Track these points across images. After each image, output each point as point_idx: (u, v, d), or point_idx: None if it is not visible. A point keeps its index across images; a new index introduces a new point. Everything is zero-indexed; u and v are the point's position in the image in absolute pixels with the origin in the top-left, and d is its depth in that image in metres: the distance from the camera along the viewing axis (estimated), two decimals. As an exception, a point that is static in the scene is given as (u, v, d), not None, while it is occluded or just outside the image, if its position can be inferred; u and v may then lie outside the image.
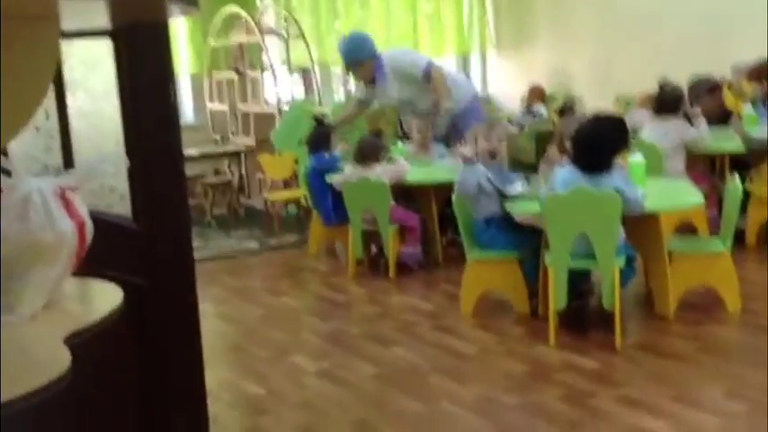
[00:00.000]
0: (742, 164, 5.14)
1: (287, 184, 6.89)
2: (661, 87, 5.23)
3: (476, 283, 4.13)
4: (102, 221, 1.69)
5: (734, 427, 2.85)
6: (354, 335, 4.03)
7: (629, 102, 7.09)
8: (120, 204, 2.37)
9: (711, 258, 3.93)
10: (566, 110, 7.04)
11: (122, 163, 1.98)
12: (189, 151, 6.65)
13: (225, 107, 7.70)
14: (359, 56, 5.47)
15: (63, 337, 1.38)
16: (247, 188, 7.61)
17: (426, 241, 5.10)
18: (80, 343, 1.39)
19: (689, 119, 5.16)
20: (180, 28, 7.55)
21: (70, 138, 2.44)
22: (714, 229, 4.77)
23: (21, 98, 1.25)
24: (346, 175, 5.12)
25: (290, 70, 7.39)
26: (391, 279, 4.91)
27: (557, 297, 3.60)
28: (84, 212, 1.59)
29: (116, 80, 2.26)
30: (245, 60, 7.48)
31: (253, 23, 7.10)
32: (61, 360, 1.27)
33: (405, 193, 5.10)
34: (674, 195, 4.09)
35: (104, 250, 1.69)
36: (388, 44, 8.13)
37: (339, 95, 7.99)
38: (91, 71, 2.43)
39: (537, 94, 8.28)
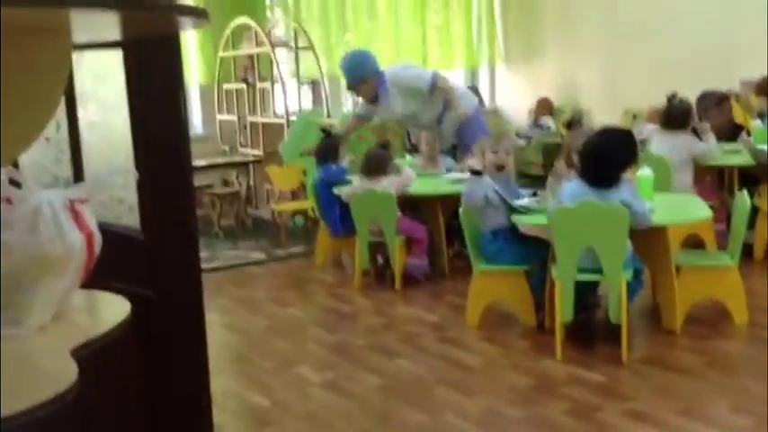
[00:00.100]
0: (751, 178, 5.14)
1: (294, 196, 6.91)
2: (669, 101, 5.23)
3: (482, 295, 4.12)
4: (110, 233, 1.70)
5: (740, 443, 2.84)
6: (360, 346, 4.03)
7: (636, 115, 7.09)
8: (128, 216, 2.38)
9: (719, 272, 3.92)
10: (573, 123, 7.05)
11: (132, 175, 2.00)
12: (197, 162, 6.68)
13: (234, 118, 7.74)
14: (362, 73, 5.48)
15: (70, 350, 1.38)
16: (255, 199, 7.63)
17: (433, 253, 5.11)
18: (87, 355, 1.40)
19: (697, 133, 5.16)
20: (190, 39, 7.59)
21: (80, 149, 2.46)
22: (722, 243, 4.76)
23: (32, 111, 1.26)
24: (353, 186, 5.13)
25: (300, 82, 7.42)
26: (397, 290, 4.91)
27: (563, 310, 3.59)
28: (93, 225, 1.60)
29: (126, 92, 2.28)
30: (254, 72, 7.51)
31: (263, 35, 7.13)
32: (68, 372, 1.28)
33: (411, 205, 5.11)
34: (682, 209, 4.08)
35: (112, 261, 1.69)
36: (398, 57, 8.16)
37: (348, 107, 8.01)
38: (101, 83, 2.44)
39: (545, 107, 8.30)
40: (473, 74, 9.01)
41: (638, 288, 3.86)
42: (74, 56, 2.08)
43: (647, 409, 3.07)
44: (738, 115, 5.88)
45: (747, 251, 4.71)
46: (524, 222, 3.90)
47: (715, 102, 5.62)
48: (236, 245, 6.58)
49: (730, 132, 5.60)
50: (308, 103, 7.57)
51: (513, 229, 3.99)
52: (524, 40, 8.73)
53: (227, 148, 7.78)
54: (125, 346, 1.61)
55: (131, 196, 2.34)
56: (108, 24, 1.25)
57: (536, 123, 8.20)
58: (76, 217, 1.55)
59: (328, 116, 7.01)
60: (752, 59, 6.13)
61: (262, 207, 7.53)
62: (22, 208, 1.48)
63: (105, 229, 1.65)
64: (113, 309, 1.63)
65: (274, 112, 7.39)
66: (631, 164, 3.76)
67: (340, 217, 5.25)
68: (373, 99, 5.56)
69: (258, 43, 7.25)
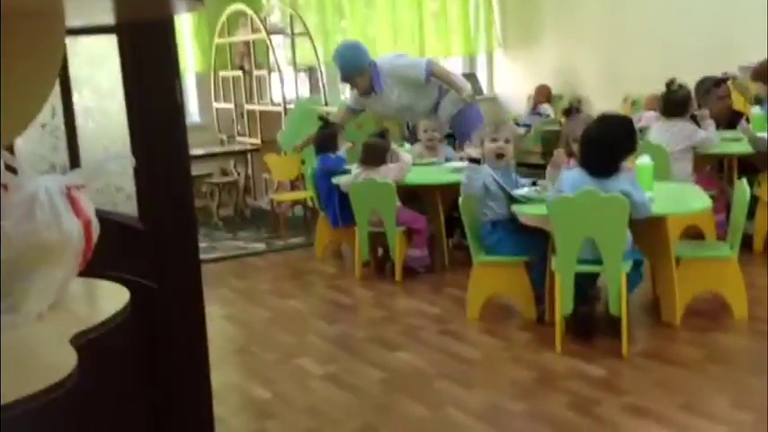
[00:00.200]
0: (750, 167, 5.11)
1: (293, 185, 6.88)
2: (668, 88, 5.19)
3: (482, 286, 4.11)
4: (107, 221, 1.68)
5: (740, 437, 2.83)
6: (360, 338, 4.02)
7: (636, 102, 7.07)
8: (125, 204, 2.36)
9: (719, 264, 3.91)
10: (571, 110, 7.02)
11: (128, 162, 1.97)
12: (195, 151, 6.64)
13: (231, 106, 7.69)
14: (358, 64, 5.44)
15: (69, 338, 1.37)
16: (254, 189, 7.59)
17: (433, 244, 5.08)
18: (86, 343, 1.38)
19: (696, 120, 5.13)
20: (185, 25, 7.53)
21: (76, 136, 2.42)
22: (721, 233, 4.74)
23: (27, 95, 1.23)
24: (352, 176, 5.10)
25: (296, 69, 7.37)
26: (397, 282, 4.90)
27: (563, 302, 3.58)
28: (90, 211, 1.57)
29: (121, 77, 2.24)
30: (250, 59, 7.46)
31: (259, 21, 7.08)
32: (67, 361, 1.27)
33: (411, 195, 5.08)
34: (682, 199, 4.06)
35: (110, 250, 1.67)
36: (394, 44, 8.12)
37: (345, 95, 7.97)
38: (96, 69, 2.41)
39: (543, 95, 8.27)
40: (471, 61, 8.97)
41: (637, 280, 3.84)
42: (68, 41, 2.04)
43: (646, 403, 3.07)
44: (738, 102, 5.85)
45: (747, 242, 4.69)
46: (524, 213, 3.87)
47: (713, 85, 5.57)
48: (236, 235, 6.56)
49: (729, 119, 5.57)
50: (305, 91, 7.52)
51: (512, 219, 3.96)
52: (522, 27, 8.70)
53: (224, 136, 7.74)
54: (124, 336, 1.59)
55: (129, 184, 2.31)
56: (101, 7, 1.22)
57: (535, 111, 8.17)
58: (73, 203, 1.53)
59: (326, 104, 6.96)
60: (752, 45, 6.10)
61: (260, 197, 7.50)
62: (19, 194, 1.46)
63: (103, 217, 1.63)
64: (112, 297, 1.62)
65: (271, 100, 7.34)
66: (631, 152, 3.74)
67: (339, 207, 5.22)
68: (367, 91, 5.52)
69: (254, 30, 7.20)
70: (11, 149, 1.72)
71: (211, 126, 7.79)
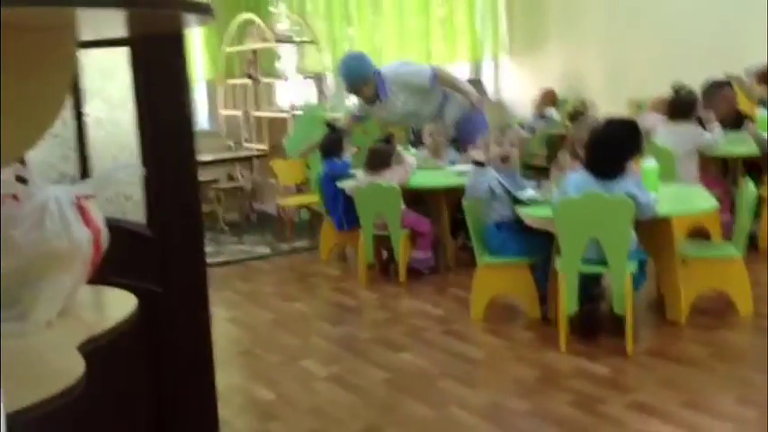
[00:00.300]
0: (755, 167, 5.12)
1: (299, 190, 6.91)
2: (675, 92, 5.21)
3: (486, 287, 4.13)
4: (116, 228, 1.71)
5: (745, 434, 2.84)
6: (365, 339, 4.04)
7: (641, 105, 7.07)
8: (134, 211, 2.39)
9: (724, 263, 3.91)
10: (577, 114, 7.02)
11: (138, 171, 2.01)
12: (202, 157, 6.68)
13: (239, 113, 7.74)
14: (362, 74, 5.47)
15: (77, 345, 1.39)
16: (261, 194, 7.63)
17: (437, 246, 5.11)
18: (94, 350, 1.41)
19: (702, 123, 5.14)
20: (195, 35, 7.59)
21: (87, 146, 2.47)
22: (727, 233, 4.75)
23: (39, 109, 1.27)
24: (357, 180, 5.14)
25: (304, 76, 7.42)
26: (402, 284, 4.92)
27: (567, 302, 3.59)
28: (100, 221, 1.60)
29: (132, 89, 2.29)
30: (258, 66, 7.51)
31: (267, 30, 7.13)
32: (75, 368, 1.29)
33: (416, 198, 5.11)
34: (687, 200, 4.07)
35: (118, 256, 1.70)
36: (401, 50, 8.14)
37: (351, 101, 8.00)
38: (107, 80, 2.45)
39: (549, 98, 8.27)
40: (477, 66, 8.98)
41: (642, 279, 3.85)
42: (80, 54, 2.09)
43: (651, 401, 3.07)
44: (743, 103, 5.85)
45: (752, 242, 4.70)
46: (529, 214, 3.90)
47: (718, 87, 5.58)
48: (242, 239, 6.60)
49: (734, 121, 5.57)
50: (312, 98, 7.56)
51: (517, 221, 3.98)
52: (528, 32, 8.70)
53: (231, 142, 7.79)
54: (131, 342, 1.62)
55: (137, 192, 2.35)
56: (114, 22, 1.25)
57: (540, 115, 8.17)
58: (83, 213, 1.56)
59: (332, 110, 7.00)
60: (758, 47, 6.09)
61: (267, 202, 7.54)
62: (29, 204, 1.49)
63: (112, 225, 1.66)
64: (120, 304, 1.65)
65: (279, 107, 7.39)
66: (636, 154, 3.76)
67: (344, 211, 5.25)
68: (372, 99, 5.56)
69: (262, 38, 7.25)
70: (21, 160, 1.75)
71: (219, 132, 7.84)
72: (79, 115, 2.43)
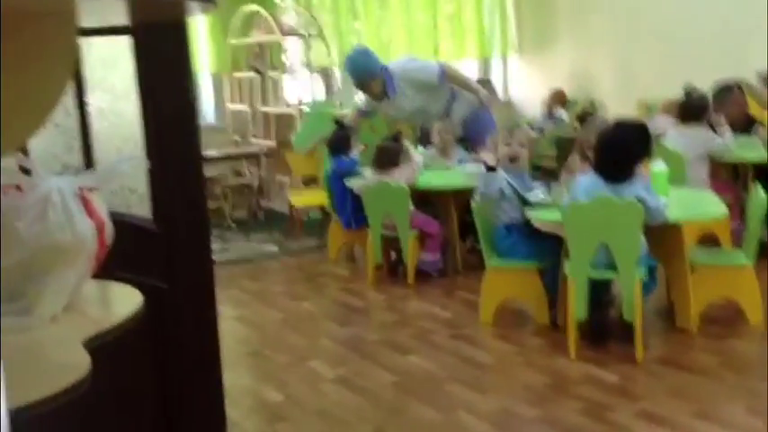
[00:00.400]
0: (766, 173, 5.06)
1: (310, 184, 6.81)
2: (687, 94, 5.16)
3: (495, 291, 4.09)
4: (121, 222, 1.68)
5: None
6: (372, 341, 4.02)
7: (651, 107, 7.03)
8: (139, 205, 2.36)
9: (734, 271, 3.88)
10: (585, 115, 6.98)
11: (141, 163, 1.97)
12: (209, 152, 6.65)
13: (245, 107, 7.70)
14: (369, 69, 5.44)
15: (82, 341, 1.36)
16: (267, 190, 7.60)
17: (446, 248, 5.07)
18: (100, 346, 1.38)
19: (713, 126, 5.09)
20: (200, 27, 7.56)
21: (90, 136, 2.43)
22: (737, 240, 4.70)
23: (39, 96, 1.23)
24: (366, 179, 5.10)
25: (311, 70, 7.38)
26: (410, 285, 4.89)
27: (577, 307, 3.56)
28: (104, 213, 1.57)
29: (135, 79, 2.25)
30: (264, 60, 7.47)
31: (273, 22, 7.09)
32: (81, 364, 1.27)
33: (424, 200, 5.07)
34: (697, 205, 4.04)
35: (124, 251, 1.67)
36: (409, 46, 8.11)
37: (360, 96, 7.97)
38: (110, 70, 2.42)
39: (558, 99, 8.23)
40: (485, 64, 8.95)
41: (652, 286, 3.82)
42: (82, 43, 2.05)
43: (660, 410, 3.05)
44: (753, 107, 5.81)
45: (762, 248, 4.64)
46: (538, 218, 3.85)
47: (728, 91, 5.53)
48: (249, 237, 6.57)
49: (745, 125, 5.53)
50: (319, 93, 7.52)
51: (527, 224, 3.95)
52: (537, 30, 8.67)
53: (238, 138, 7.75)
54: (137, 338, 1.59)
55: (142, 185, 2.32)
56: (115, 8, 1.22)
57: (549, 115, 8.14)
58: (86, 205, 1.53)
59: (340, 106, 6.96)
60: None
61: (274, 198, 7.50)
62: (32, 195, 1.47)
63: (117, 219, 1.63)
64: (126, 300, 1.62)
65: (285, 102, 7.34)
66: (645, 157, 3.72)
67: (352, 210, 5.22)
68: (381, 96, 5.52)
69: (268, 31, 7.20)
70: (24, 150, 1.72)
71: (225, 128, 7.81)
72: (82, 105, 2.40)
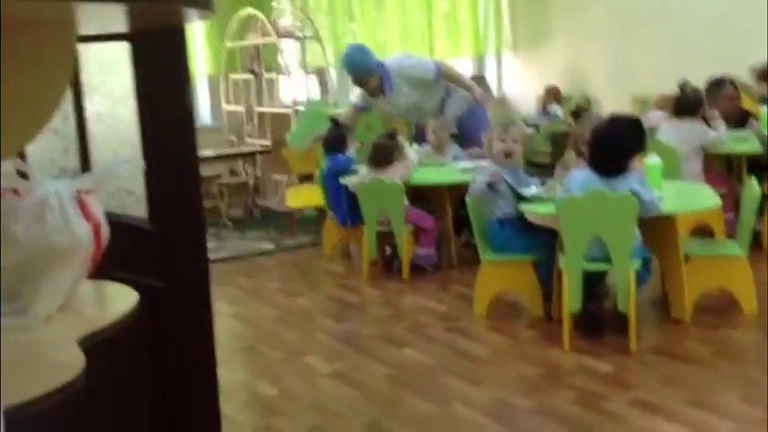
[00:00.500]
0: (759, 166, 5.11)
1: (304, 182, 6.83)
2: (682, 90, 5.19)
3: (489, 284, 4.12)
4: (117, 223, 1.71)
5: (749, 432, 2.83)
6: (367, 336, 4.04)
7: (645, 102, 7.05)
8: (135, 206, 2.39)
9: (728, 262, 3.91)
10: (580, 111, 7.01)
11: (138, 165, 2.00)
12: (205, 152, 6.67)
13: (241, 108, 7.73)
14: (366, 65, 5.47)
15: (77, 340, 1.38)
16: (263, 189, 7.62)
17: (440, 243, 5.10)
18: (95, 345, 1.40)
19: (707, 120, 5.13)
20: (197, 30, 7.59)
21: (87, 141, 2.46)
22: (731, 231, 4.74)
23: (38, 103, 1.26)
24: (360, 176, 5.12)
25: (306, 71, 7.40)
26: (405, 280, 4.91)
27: (571, 300, 3.58)
28: (100, 215, 1.59)
29: (133, 84, 2.28)
30: (260, 61, 7.50)
31: (269, 25, 7.12)
32: (75, 363, 1.28)
33: (419, 195, 5.10)
34: (691, 198, 4.07)
35: (120, 251, 1.70)
36: (404, 45, 8.13)
37: (355, 93, 7.99)
38: (108, 75, 2.45)
39: (553, 95, 8.26)
40: (480, 62, 8.97)
41: (646, 277, 3.84)
42: (81, 48, 2.07)
43: (655, 399, 3.07)
44: (747, 102, 5.84)
45: (756, 239, 4.68)
46: (533, 212, 3.88)
47: (719, 86, 5.57)
48: (245, 235, 6.59)
49: (738, 119, 5.56)
50: (314, 93, 7.54)
51: (520, 218, 3.97)
52: (532, 28, 8.68)
53: (234, 138, 7.78)
54: (133, 337, 1.61)
55: (139, 187, 2.34)
56: (114, 17, 1.25)
57: (544, 111, 8.16)
58: (83, 207, 1.55)
59: (335, 105, 6.99)
60: (762, 46, 6.07)
61: (270, 197, 7.53)
62: (29, 199, 1.49)
63: (113, 220, 1.66)
64: (121, 299, 1.64)
65: (281, 102, 7.37)
66: (639, 151, 3.74)
67: (348, 207, 5.24)
68: (377, 92, 5.55)
69: (264, 33, 7.23)
70: (22, 155, 1.74)
71: (221, 128, 7.83)
72: (80, 110, 2.43)
